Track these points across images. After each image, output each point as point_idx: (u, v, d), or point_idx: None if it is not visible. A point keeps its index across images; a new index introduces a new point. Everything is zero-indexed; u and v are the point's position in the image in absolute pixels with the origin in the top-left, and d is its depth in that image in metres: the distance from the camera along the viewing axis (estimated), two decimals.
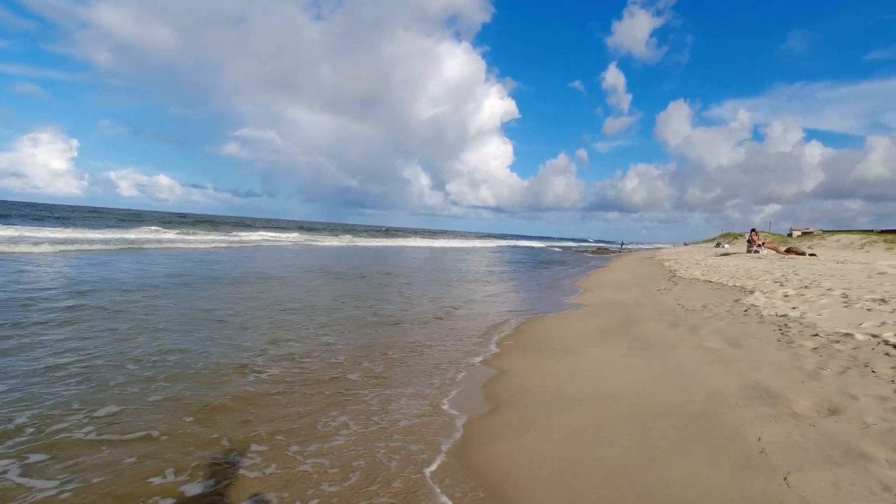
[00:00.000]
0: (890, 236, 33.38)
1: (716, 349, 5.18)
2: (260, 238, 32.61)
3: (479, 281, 14.36)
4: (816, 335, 5.16)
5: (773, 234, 62.72)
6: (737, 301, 8.05)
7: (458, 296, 10.88)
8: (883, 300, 6.39)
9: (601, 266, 23.68)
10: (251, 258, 17.50)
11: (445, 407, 4.05)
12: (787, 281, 9.73)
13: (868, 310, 6.01)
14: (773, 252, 17.99)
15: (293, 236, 37.59)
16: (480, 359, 5.62)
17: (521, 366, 5.27)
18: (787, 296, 7.97)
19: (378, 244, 37.59)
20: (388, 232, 78.06)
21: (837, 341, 4.85)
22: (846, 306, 6.41)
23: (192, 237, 27.33)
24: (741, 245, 48.30)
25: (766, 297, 8.06)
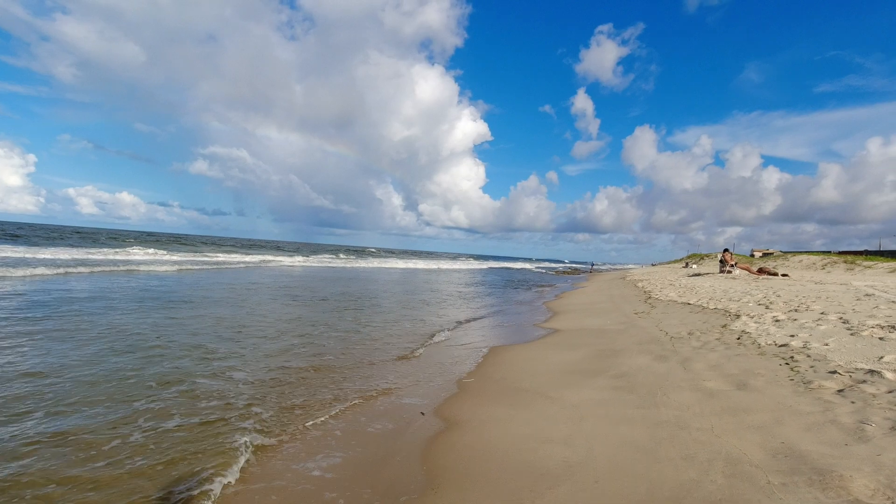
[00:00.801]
0: (849, 257, 34.25)
1: (719, 391, 4.20)
2: (225, 259, 30.63)
3: (445, 303, 13.25)
4: (834, 372, 4.25)
5: (737, 255, 64.42)
6: (724, 327, 7.21)
7: (419, 319, 9.73)
8: (893, 327, 5.62)
9: (573, 287, 23.00)
10: (210, 280, 15.85)
11: (367, 496, 2.87)
12: (771, 303, 9.03)
13: (880, 339, 5.21)
14: (746, 272, 17.70)
15: (265, 257, 35.65)
16: (428, 403, 4.46)
17: (480, 416, 4.14)
18: (777, 320, 7.19)
19: (350, 266, 36.02)
20: (364, 253, 76.28)
21: (863, 381, 3.95)
22: (852, 334, 5.61)
23: (144, 256, 25.21)
24: (710, 265, 49.15)
25: (756, 323, 7.25)
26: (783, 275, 16.55)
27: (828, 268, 33.54)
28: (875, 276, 19.60)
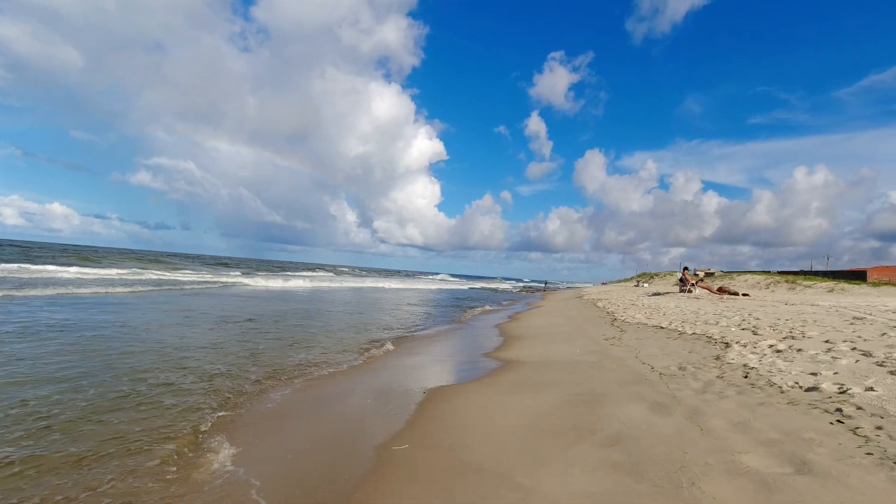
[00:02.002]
0: (789, 276, 35.55)
1: (773, 477, 2.73)
2: (180, 277, 26.65)
3: (384, 326, 11.46)
4: None
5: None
6: (719, 359, 5.93)
7: (346, 346, 7.91)
8: None
9: (529, 306, 21.77)
10: (187, 308, 13.12)
11: None
12: (756, 328, 7.97)
13: None
14: (707, 292, 17.19)
15: (223, 278, 32.10)
16: None
17: None
18: (778, 351, 6.01)
19: (335, 285, 33.18)
20: (337, 270, 72.44)
21: None
22: (890, 371, 4.42)
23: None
24: (659, 284, 50.17)
25: (754, 353, 6.03)
26: (744, 294, 16.07)
27: (771, 287, 34.53)
28: (834, 296, 19.71)
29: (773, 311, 10.25)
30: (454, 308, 19.80)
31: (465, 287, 53.15)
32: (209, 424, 4.16)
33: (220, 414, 4.46)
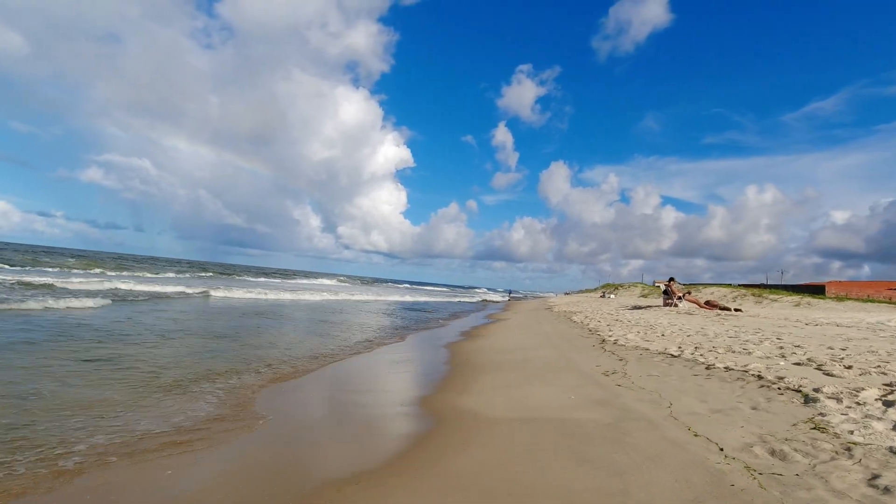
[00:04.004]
0: (755, 290, 34.99)
1: None
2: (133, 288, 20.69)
3: (312, 356, 8.55)
4: None
5: (642, 284, 66.58)
6: (820, 428, 3.47)
7: (239, 401, 4.98)
8: None
9: (494, 319, 19.24)
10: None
11: None
12: (819, 363, 5.66)
13: None
14: (695, 306, 15.24)
15: (186, 289, 27.52)
16: None
17: None
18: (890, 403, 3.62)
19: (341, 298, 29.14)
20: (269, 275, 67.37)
21: None
22: None
23: None
24: (625, 295, 49.09)
25: (870, 416, 3.61)
26: (736, 310, 14.16)
27: (738, 300, 33.68)
28: (806, 311, 18.25)
29: (804, 333, 8.11)
30: (407, 319, 16.99)
31: (432, 299, 50.31)
32: None
33: None
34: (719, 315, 12.18)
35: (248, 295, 22.93)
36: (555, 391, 5.52)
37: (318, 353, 8.46)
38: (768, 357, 6.23)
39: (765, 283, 55.50)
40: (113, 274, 31.27)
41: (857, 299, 31.18)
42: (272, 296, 24.02)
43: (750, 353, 6.53)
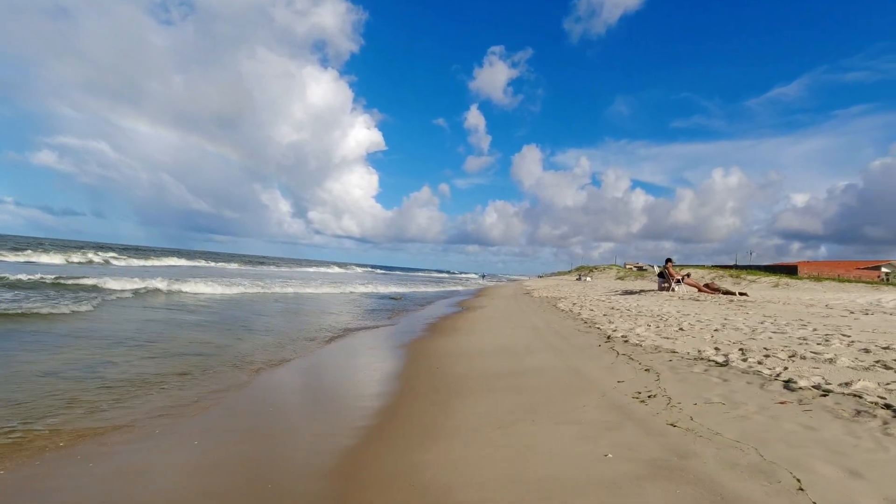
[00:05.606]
0: (732, 271, 34.44)
1: None
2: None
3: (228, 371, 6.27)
4: None
5: (616, 266, 66.36)
6: None
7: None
8: None
9: (460, 307, 17.19)
10: None
11: None
12: (878, 361, 3.83)
13: None
14: (695, 290, 13.64)
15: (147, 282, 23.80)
16: None
17: None
18: None
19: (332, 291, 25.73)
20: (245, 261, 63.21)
21: None
22: None
23: None
24: (600, 277, 48.12)
25: None
26: (741, 293, 12.59)
27: (717, 281, 32.91)
28: (787, 292, 17.03)
29: (858, 325, 6.37)
30: (368, 308, 14.77)
31: (403, 289, 47.98)
32: None
33: None
34: (732, 301, 10.55)
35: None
36: (574, 437, 3.46)
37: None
38: (869, 368, 4.38)
39: (735, 263, 55.90)
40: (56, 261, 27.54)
41: (832, 279, 30.89)
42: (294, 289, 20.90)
43: (833, 362, 4.66)
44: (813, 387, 3.99)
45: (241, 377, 5.66)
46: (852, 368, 4.40)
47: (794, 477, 2.54)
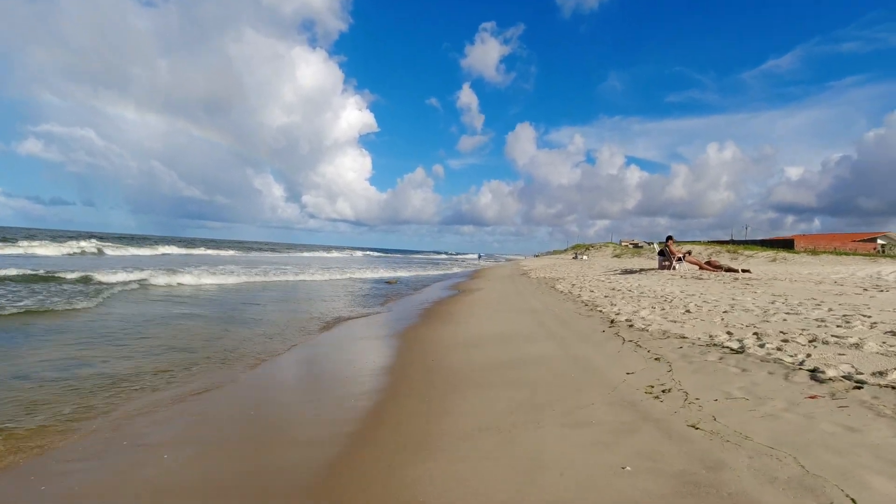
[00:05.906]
0: (730, 246, 34.25)
1: None
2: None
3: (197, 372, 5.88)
4: None
5: (612, 244, 66.11)
6: None
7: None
8: None
9: (455, 290, 16.84)
10: None
11: None
12: None
13: None
14: (696, 267, 13.30)
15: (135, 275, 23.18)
16: None
17: None
18: None
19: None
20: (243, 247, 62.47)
21: None
22: None
23: None
24: (596, 256, 47.72)
25: None
26: (744, 270, 12.26)
27: (714, 256, 32.74)
28: (786, 266, 16.74)
29: (876, 304, 6.03)
30: (356, 294, 14.39)
31: (399, 273, 47.61)
32: None
33: None
34: (737, 279, 10.21)
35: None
36: (586, 443, 3.08)
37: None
38: (863, 342, 4.03)
39: (731, 238, 55.76)
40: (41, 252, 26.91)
41: (829, 252, 30.74)
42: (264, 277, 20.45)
43: (860, 347, 4.30)
44: (843, 377, 3.63)
45: (225, 375, 5.27)
46: (883, 355, 4.04)
47: (846, 496, 2.17)
